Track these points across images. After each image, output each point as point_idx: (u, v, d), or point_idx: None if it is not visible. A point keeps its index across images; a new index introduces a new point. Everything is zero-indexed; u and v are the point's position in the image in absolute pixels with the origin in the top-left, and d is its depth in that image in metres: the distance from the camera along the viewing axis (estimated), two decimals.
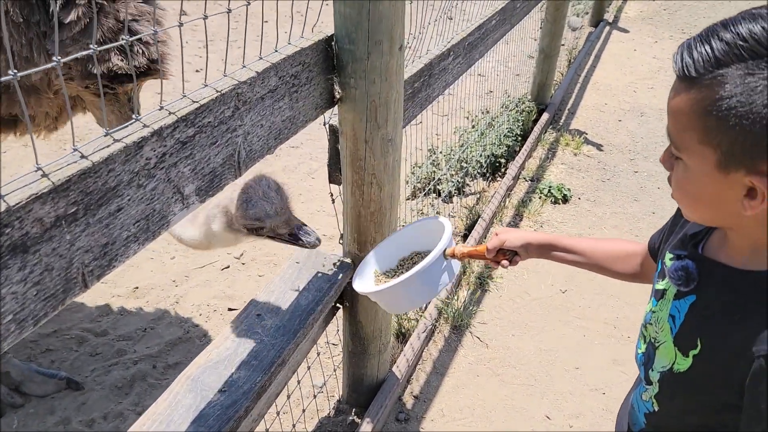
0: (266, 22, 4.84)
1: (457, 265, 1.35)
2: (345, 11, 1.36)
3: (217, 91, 1.07)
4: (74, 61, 1.46)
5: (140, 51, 1.49)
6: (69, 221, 0.81)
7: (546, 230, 3.26)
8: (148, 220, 0.97)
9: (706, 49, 0.73)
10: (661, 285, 0.99)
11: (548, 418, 2.17)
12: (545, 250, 1.28)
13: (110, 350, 2.33)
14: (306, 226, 1.47)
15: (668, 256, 0.98)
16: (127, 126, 0.91)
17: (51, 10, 1.36)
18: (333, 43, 1.41)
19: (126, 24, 1.01)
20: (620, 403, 1.23)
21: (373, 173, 1.61)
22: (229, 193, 1.42)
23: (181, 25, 1.02)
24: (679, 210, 1.06)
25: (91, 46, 0.79)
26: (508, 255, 1.28)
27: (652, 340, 0.99)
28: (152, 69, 1.51)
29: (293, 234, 1.45)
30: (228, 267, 2.84)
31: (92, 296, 2.59)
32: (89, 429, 2.04)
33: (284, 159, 3.85)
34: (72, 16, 1.38)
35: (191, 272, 2.78)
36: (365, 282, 1.43)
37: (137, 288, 2.65)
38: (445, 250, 1.29)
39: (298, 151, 3.94)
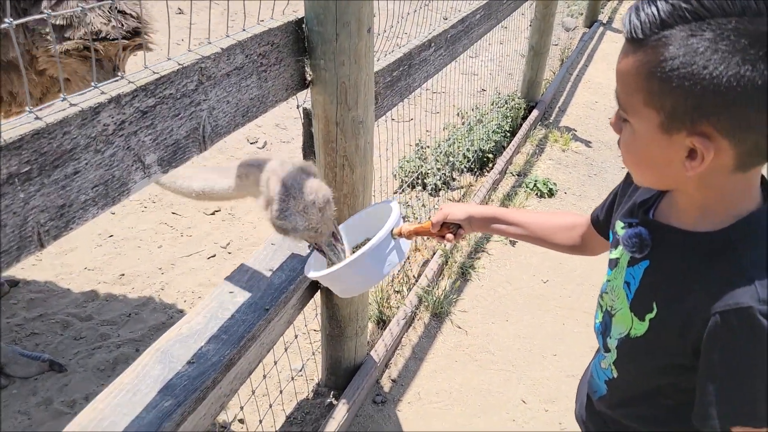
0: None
1: (406, 245, 1.37)
2: None
3: (179, 64, 1.10)
4: (55, 29, 1.48)
5: (121, 19, 1.52)
6: (22, 180, 0.84)
7: None
8: (107, 186, 1.00)
9: (652, 11, 0.73)
10: (614, 254, 1.01)
11: (524, 402, 2.20)
12: (488, 223, 1.30)
13: (94, 334, 2.37)
14: (337, 242, 1.41)
15: (619, 224, 1.00)
16: (84, 92, 0.95)
17: None
18: (303, 25, 1.45)
19: None
20: None
21: (344, 155, 1.64)
22: (280, 185, 1.33)
23: None
24: (626, 179, 1.08)
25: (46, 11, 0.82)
26: (452, 228, 1.30)
27: (609, 309, 1.01)
28: (135, 34, 1.54)
29: (320, 248, 1.41)
30: (214, 256, 2.87)
31: (78, 282, 2.62)
32: (70, 409, 2.07)
33: (274, 153, 3.89)
34: None
35: (178, 260, 2.81)
36: (317, 268, 1.45)
37: (123, 275, 2.68)
38: (392, 230, 1.32)
39: (288, 146, 3.97)
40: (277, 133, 4.11)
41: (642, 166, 0.86)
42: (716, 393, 0.79)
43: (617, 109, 0.86)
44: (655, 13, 0.72)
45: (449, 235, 1.31)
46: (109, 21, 1.50)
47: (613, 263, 1.01)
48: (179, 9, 5.72)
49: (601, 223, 1.17)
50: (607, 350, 1.03)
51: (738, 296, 0.76)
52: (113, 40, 1.51)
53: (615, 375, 1.03)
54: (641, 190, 1.00)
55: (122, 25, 1.51)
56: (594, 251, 1.30)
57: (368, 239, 1.48)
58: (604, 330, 1.04)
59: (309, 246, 1.49)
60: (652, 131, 0.78)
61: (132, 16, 1.55)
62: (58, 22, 1.50)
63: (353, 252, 1.49)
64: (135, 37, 1.59)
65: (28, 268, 2.65)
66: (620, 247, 0.98)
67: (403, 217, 1.62)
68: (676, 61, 0.71)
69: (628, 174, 1.07)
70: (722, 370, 0.78)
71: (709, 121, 0.72)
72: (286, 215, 1.31)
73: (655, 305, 0.89)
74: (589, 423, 1.17)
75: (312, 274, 1.39)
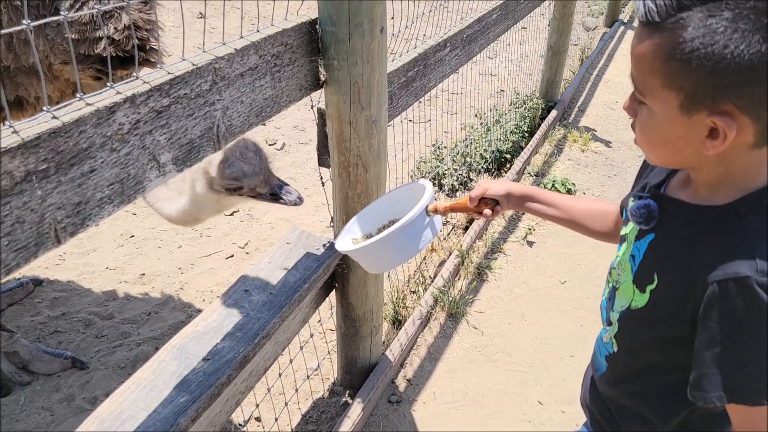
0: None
1: (439, 223, 1.37)
2: None
3: (193, 65, 1.12)
4: (69, 44, 1.53)
5: (132, 37, 1.56)
6: (40, 177, 0.86)
7: (548, 224, 3.26)
8: (122, 184, 1.02)
9: None
10: (624, 230, 1.03)
11: (540, 403, 2.19)
12: (525, 201, 1.30)
13: (115, 332, 2.41)
14: (288, 185, 1.49)
15: (630, 201, 1.01)
16: (101, 92, 0.97)
17: None
18: (317, 26, 1.46)
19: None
20: None
21: (358, 155, 1.65)
22: (209, 156, 1.46)
23: None
24: (642, 166, 1.09)
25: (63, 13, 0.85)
26: (490, 204, 1.30)
27: (614, 284, 1.03)
28: (146, 54, 1.57)
29: (274, 193, 1.46)
30: (232, 256, 2.90)
31: (100, 282, 2.67)
32: (92, 406, 2.11)
33: (293, 154, 3.92)
34: (69, 1, 1.46)
35: (197, 260, 2.85)
36: (347, 243, 1.45)
37: (144, 274, 2.73)
38: (427, 207, 1.31)
39: (307, 147, 4.00)
40: (296, 134, 4.14)
41: (659, 146, 0.87)
42: (711, 363, 0.80)
43: (631, 93, 0.86)
44: None
45: (487, 211, 1.30)
46: (122, 36, 1.53)
47: (623, 239, 1.03)
48: (200, 13, 5.80)
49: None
50: (609, 323, 1.04)
51: (737, 266, 0.77)
52: (124, 62, 1.54)
53: (615, 349, 1.04)
54: (655, 172, 1.01)
55: (132, 44, 1.55)
56: None
57: (398, 219, 1.49)
58: (608, 305, 1.06)
59: (268, 194, 1.48)
60: (671, 112, 0.79)
61: (140, 37, 1.59)
62: (73, 37, 1.54)
63: (381, 230, 1.48)
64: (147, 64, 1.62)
65: (51, 268, 2.71)
66: (630, 224, 1.00)
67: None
68: (696, 42, 0.72)
69: (643, 162, 1.08)
70: (718, 339, 0.79)
71: (731, 99, 0.73)
72: (229, 163, 1.38)
73: (656, 276, 0.90)
74: (591, 406, 1.18)
75: (342, 248, 1.39)
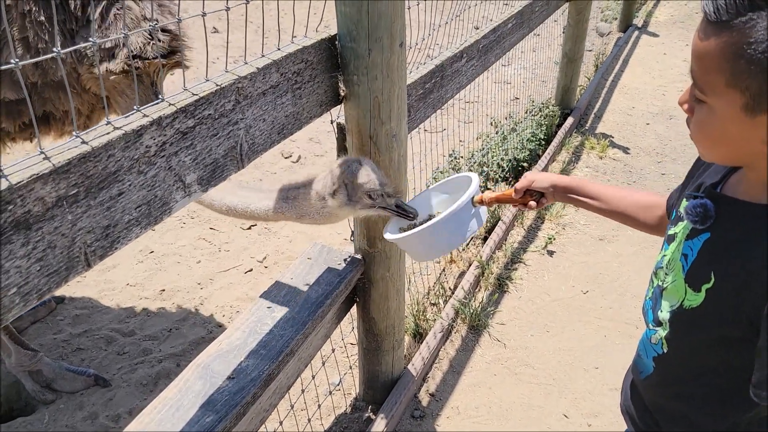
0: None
1: (484, 214, 1.39)
2: (345, 10, 1.41)
3: (216, 85, 1.13)
4: (100, 50, 1.55)
5: (161, 39, 1.58)
6: (70, 202, 0.87)
7: (569, 232, 3.23)
8: (149, 206, 1.02)
9: None
10: (673, 230, 1.02)
11: (566, 416, 2.15)
12: (569, 193, 1.30)
13: (137, 349, 2.42)
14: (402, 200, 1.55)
15: (684, 202, 1.00)
16: (127, 116, 0.98)
17: (72, 7, 1.46)
18: (336, 42, 1.46)
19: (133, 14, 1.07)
20: None
21: None
22: (344, 170, 1.46)
23: (204, 15, 1.09)
24: (694, 164, 1.08)
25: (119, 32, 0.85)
26: (535, 196, 1.31)
27: (660, 284, 1.01)
28: (176, 51, 1.59)
29: (399, 205, 1.50)
30: (251, 270, 2.90)
31: (121, 298, 2.69)
32: (115, 424, 2.11)
33: (309, 167, 3.92)
34: (96, 14, 1.47)
35: (216, 275, 2.86)
36: (395, 232, 1.47)
37: (164, 290, 2.74)
38: (473, 198, 1.33)
39: (322, 159, 4.01)
40: (311, 147, 4.15)
41: (716, 144, 0.86)
42: None
43: (689, 86, 0.85)
44: None
45: (532, 203, 1.31)
46: (150, 40, 1.54)
47: (671, 239, 1.02)
48: (214, 28, 5.85)
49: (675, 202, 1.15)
50: (658, 324, 1.02)
51: None
52: (153, 58, 1.56)
53: (665, 350, 1.01)
54: (710, 171, 0.99)
55: (161, 41, 1.56)
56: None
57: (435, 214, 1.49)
58: (654, 305, 1.03)
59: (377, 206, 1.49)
60: (733, 112, 0.78)
61: (171, 32, 1.60)
62: (106, 45, 1.56)
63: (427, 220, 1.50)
64: (172, 55, 1.63)
65: (73, 285, 2.73)
66: (681, 223, 0.99)
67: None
68: (766, 44, 0.71)
69: (696, 161, 1.07)
70: None
71: None
72: (374, 171, 1.43)
73: (712, 275, 0.88)
74: (632, 410, 1.15)
75: (390, 236, 1.40)
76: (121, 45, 1.47)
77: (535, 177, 1.31)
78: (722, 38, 0.75)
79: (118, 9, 1.51)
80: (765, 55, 0.71)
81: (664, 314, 0.99)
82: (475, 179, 1.38)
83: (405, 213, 1.49)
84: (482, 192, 1.39)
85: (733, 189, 0.93)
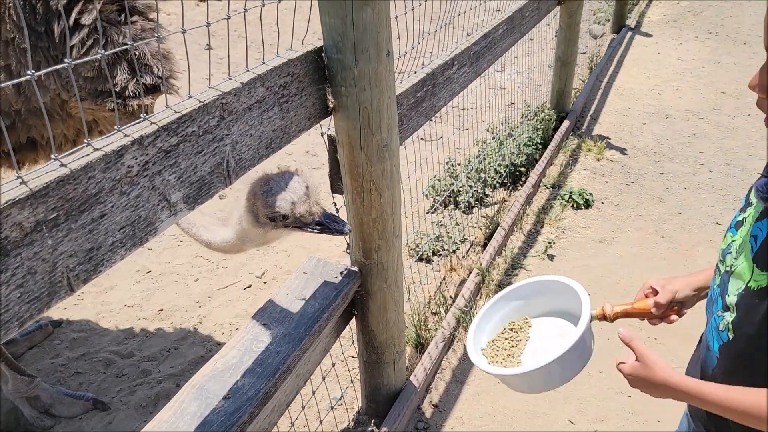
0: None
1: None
2: (330, 21, 1.40)
3: (200, 102, 1.11)
4: (84, 80, 1.54)
5: (147, 69, 1.57)
6: (50, 226, 0.85)
7: (569, 236, 3.21)
8: (134, 227, 1.01)
9: None
10: (741, 216, 1.00)
11: (572, 422, 2.12)
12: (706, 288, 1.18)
13: (135, 371, 2.39)
14: (334, 214, 1.47)
15: (753, 189, 0.99)
16: (108, 136, 0.96)
17: (56, 34, 1.45)
18: (323, 54, 1.45)
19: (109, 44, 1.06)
20: (645, 405, 1.17)
21: (371, 179, 1.63)
22: (252, 189, 1.44)
23: (184, 31, 1.07)
24: None
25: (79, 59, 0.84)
26: (677, 305, 1.16)
27: (728, 269, 0.99)
28: (159, 86, 1.58)
29: (320, 223, 1.44)
30: (250, 286, 2.88)
31: (119, 320, 2.66)
32: None
33: None
34: (76, 39, 1.46)
35: (214, 293, 2.83)
36: (483, 358, 1.27)
37: (162, 310, 2.71)
38: (591, 314, 1.15)
39: (319, 172, 3.99)
40: (308, 159, 4.14)
41: None
42: None
43: (760, 68, 0.83)
44: None
45: (673, 316, 1.16)
46: (133, 77, 1.53)
47: (739, 224, 1.00)
48: (208, 45, 5.86)
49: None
50: (726, 309, 0.98)
51: None
52: (137, 96, 1.55)
53: (731, 336, 0.98)
54: None
55: (146, 79, 1.55)
56: None
57: (526, 317, 1.32)
58: (722, 292, 1.00)
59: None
60: None
61: (155, 68, 1.59)
62: (88, 74, 1.54)
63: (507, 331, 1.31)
64: (156, 92, 1.62)
65: (70, 308, 2.71)
66: (750, 209, 0.97)
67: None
68: None
69: None
70: None
71: None
72: (273, 193, 1.36)
73: None
74: (701, 411, 1.08)
75: (492, 370, 1.19)
76: (103, 82, 1.46)
77: (676, 287, 1.14)
78: None
79: (97, 35, 1.50)
80: None
81: (731, 298, 0.97)
82: (582, 292, 1.16)
83: (329, 231, 1.40)
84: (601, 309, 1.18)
85: None
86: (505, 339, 1.30)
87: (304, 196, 1.41)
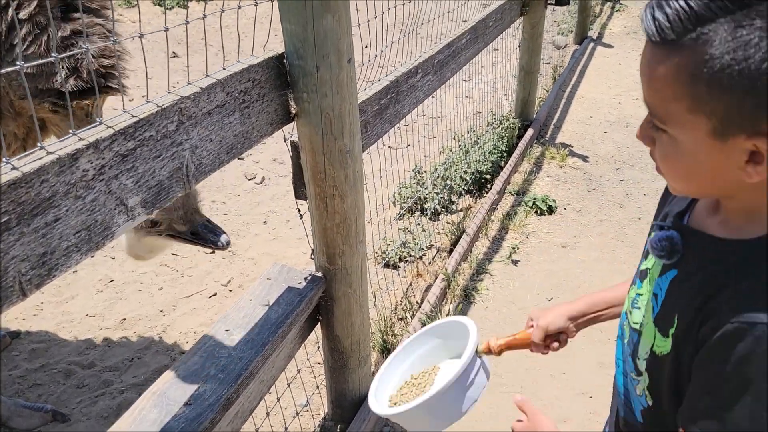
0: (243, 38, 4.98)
1: (488, 363, 1.18)
2: (291, 28, 1.41)
3: (158, 106, 1.11)
4: (25, 77, 1.51)
5: (90, 67, 1.53)
6: (1, 230, 0.84)
7: (533, 241, 3.27)
8: (89, 231, 1.00)
9: (681, 5, 0.63)
10: (645, 264, 0.92)
11: None
12: (590, 316, 1.18)
13: (97, 381, 2.35)
14: (216, 226, 1.39)
15: (651, 233, 0.91)
16: (63, 140, 0.95)
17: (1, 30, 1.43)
18: (284, 60, 1.46)
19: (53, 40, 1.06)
20: (607, 406, 1.14)
21: (334, 185, 1.64)
22: None
23: (141, 36, 1.07)
24: (665, 192, 0.98)
25: (19, 63, 0.83)
26: (555, 337, 1.18)
27: (636, 326, 0.91)
28: (106, 85, 1.56)
29: (195, 233, 1.38)
30: (215, 294, 2.86)
31: (80, 330, 2.61)
32: None
33: (273, 188, 3.90)
34: (17, 36, 1.44)
35: (179, 302, 2.80)
36: (382, 401, 1.23)
37: (125, 320, 2.67)
38: (476, 348, 1.12)
39: (286, 180, 3.99)
40: (275, 167, 4.13)
41: (688, 176, 0.75)
42: (709, 410, 0.72)
43: (644, 119, 0.75)
44: (686, 7, 0.63)
45: (554, 344, 1.18)
46: (73, 74, 1.51)
47: (644, 274, 0.91)
48: (174, 53, 5.81)
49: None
50: (640, 374, 0.91)
51: (757, 309, 0.67)
52: (83, 92, 1.52)
53: (650, 402, 0.90)
54: (677, 199, 0.91)
55: (84, 76, 1.53)
56: None
57: (431, 368, 1.27)
58: (633, 351, 0.93)
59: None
60: (700, 139, 0.69)
61: (99, 67, 1.57)
62: (28, 71, 1.51)
63: (416, 382, 1.26)
64: (104, 93, 1.60)
65: (29, 318, 2.64)
66: (651, 258, 0.89)
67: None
68: (726, 58, 0.61)
69: (666, 187, 0.97)
70: (721, 387, 0.70)
71: None
72: None
73: (676, 318, 0.80)
74: None
75: (382, 411, 1.16)
76: (45, 78, 1.44)
77: (548, 321, 1.16)
78: (673, 60, 0.65)
79: (38, 31, 1.47)
80: (726, 73, 0.62)
81: (641, 363, 0.89)
82: (473, 327, 1.17)
83: (203, 241, 1.32)
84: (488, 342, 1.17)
85: (701, 220, 0.84)
86: (413, 386, 1.25)
87: (177, 202, 1.33)
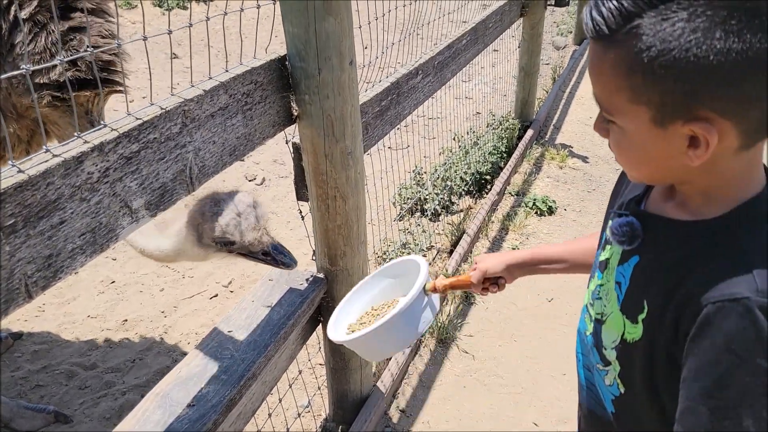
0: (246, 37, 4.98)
1: (437, 301, 1.28)
2: (293, 30, 1.42)
3: (161, 108, 1.12)
4: (22, 75, 1.52)
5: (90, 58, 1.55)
6: (7, 233, 0.85)
7: (533, 242, 3.28)
8: (94, 233, 1.00)
9: (614, 3, 0.68)
10: (604, 255, 0.94)
11: (535, 425, 2.16)
12: (528, 267, 1.25)
13: (99, 383, 2.35)
14: (282, 246, 1.44)
15: (610, 220, 0.93)
16: (68, 142, 0.96)
17: (2, 30, 1.43)
18: (286, 62, 1.47)
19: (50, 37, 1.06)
20: None
21: (335, 187, 1.65)
22: (200, 207, 1.42)
23: (145, 38, 1.08)
24: (618, 180, 1.02)
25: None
26: (493, 281, 1.25)
27: (598, 317, 0.93)
28: (108, 80, 1.56)
29: (267, 253, 1.42)
30: (216, 295, 2.86)
31: (82, 331, 2.62)
32: None
33: (274, 189, 3.91)
34: (20, 36, 1.45)
35: (180, 303, 2.81)
36: (340, 331, 1.33)
37: (126, 321, 2.68)
38: (425, 286, 1.22)
39: (287, 181, 3.99)
40: (275, 168, 4.13)
41: (640, 164, 0.80)
42: (699, 396, 0.71)
43: (598, 112, 0.80)
44: (617, 4, 0.68)
45: (493, 288, 1.25)
46: (70, 68, 1.51)
47: (603, 265, 0.93)
48: (174, 54, 5.82)
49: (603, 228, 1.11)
50: (608, 363, 0.92)
51: (734, 285, 0.69)
52: (82, 86, 1.53)
53: (622, 390, 0.91)
54: (630, 186, 0.94)
55: (82, 70, 1.53)
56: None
57: (391, 300, 1.37)
58: (596, 342, 0.94)
59: (259, 255, 1.44)
60: (644, 128, 0.74)
61: (101, 59, 1.58)
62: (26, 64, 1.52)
63: (373, 313, 1.36)
64: (107, 88, 1.61)
65: (31, 320, 2.65)
66: (609, 247, 0.92)
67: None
68: (654, 50, 0.66)
69: (619, 176, 1.02)
70: (707, 369, 0.70)
71: (705, 104, 0.68)
72: (222, 218, 1.34)
73: (645, 303, 0.81)
74: None
75: (337, 337, 1.28)
76: (43, 72, 1.45)
77: (487, 265, 1.24)
78: (610, 55, 0.71)
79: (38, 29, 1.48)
80: (657, 63, 0.67)
81: (609, 352, 0.90)
82: (424, 265, 1.27)
83: (275, 263, 1.37)
84: (436, 278, 1.29)
85: (658, 204, 0.87)
86: (372, 316, 1.36)
87: (255, 223, 1.38)
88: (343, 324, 1.35)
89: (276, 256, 1.41)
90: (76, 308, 2.75)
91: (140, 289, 2.88)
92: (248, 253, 1.43)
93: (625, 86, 0.71)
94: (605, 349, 0.91)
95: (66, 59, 1.33)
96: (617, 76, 0.72)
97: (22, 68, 0.81)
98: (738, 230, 0.74)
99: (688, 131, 0.70)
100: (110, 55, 1.59)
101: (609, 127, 0.80)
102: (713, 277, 0.72)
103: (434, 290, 1.24)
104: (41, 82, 1.53)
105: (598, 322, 0.93)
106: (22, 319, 2.64)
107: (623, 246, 0.87)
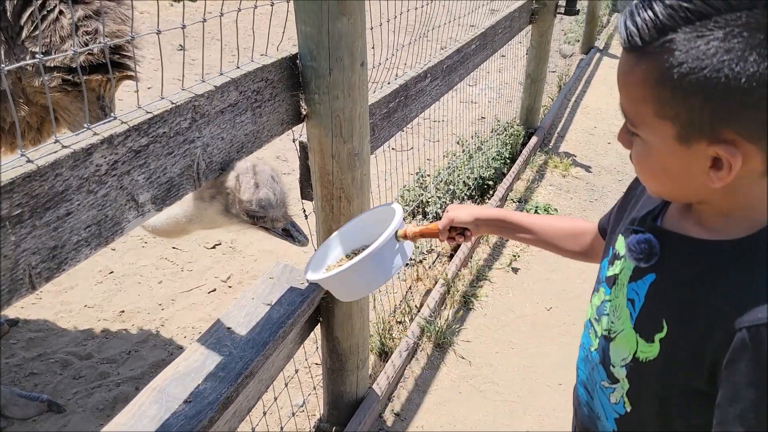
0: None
1: (410, 248, 1.36)
2: (306, 29, 1.41)
3: (172, 103, 1.11)
4: (32, 56, 1.50)
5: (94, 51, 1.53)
6: (13, 222, 0.84)
7: (533, 250, 3.27)
8: (100, 226, 1.00)
9: (649, 15, 0.67)
10: (612, 270, 0.93)
11: None
12: (495, 226, 1.28)
13: (93, 373, 2.34)
14: (298, 226, 1.48)
15: (620, 240, 0.92)
16: (77, 134, 0.95)
17: (9, 13, 1.43)
18: (297, 61, 1.46)
19: (71, 21, 1.05)
20: None
21: (341, 187, 1.64)
22: (234, 176, 1.38)
23: (159, 32, 1.07)
24: (626, 194, 1.02)
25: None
26: (460, 231, 1.30)
27: (606, 333, 0.91)
28: (119, 63, 1.56)
29: (287, 230, 1.44)
30: (214, 290, 2.86)
31: (78, 320, 2.61)
32: None
33: None
34: (25, 16, 1.44)
35: (178, 296, 2.80)
36: (317, 272, 1.42)
37: (123, 312, 2.67)
38: (396, 232, 1.29)
39: (289, 178, 3.99)
40: (278, 165, 4.13)
41: (660, 179, 0.79)
42: (736, 421, 0.70)
43: (624, 122, 0.79)
44: (652, 17, 0.67)
45: (458, 237, 1.29)
46: (85, 47, 1.51)
47: (611, 281, 0.92)
48: (180, 45, 5.81)
49: (608, 231, 1.08)
50: (615, 381, 0.91)
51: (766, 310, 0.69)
52: (93, 69, 1.52)
53: (629, 409, 0.90)
54: (643, 201, 0.92)
55: (94, 54, 1.53)
56: (600, 259, 1.24)
57: (366, 246, 1.44)
58: (603, 359, 0.92)
59: (277, 231, 1.48)
60: (667, 143, 0.73)
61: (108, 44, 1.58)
62: (34, 49, 1.51)
63: (351, 255, 1.45)
64: (117, 68, 1.60)
65: (28, 307, 2.64)
66: (619, 263, 0.91)
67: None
68: (685, 66, 0.65)
69: (628, 189, 1.02)
70: (745, 393, 0.70)
71: (732, 126, 0.67)
72: (261, 189, 1.36)
73: (664, 323, 0.80)
74: None
75: (312, 276, 1.37)
76: (53, 53, 1.44)
77: (456, 213, 1.27)
78: (641, 66, 0.70)
79: (47, 11, 1.47)
80: (686, 81, 0.66)
81: (618, 370, 0.89)
82: (399, 211, 1.33)
83: (291, 239, 1.42)
84: (407, 225, 1.36)
85: (675, 221, 0.86)
86: (351, 259, 1.41)
87: (285, 200, 1.42)
88: (324, 264, 1.45)
89: (292, 233, 1.44)
90: (73, 297, 2.74)
91: (138, 281, 2.88)
92: (271, 227, 1.44)
93: (653, 99, 0.71)
94: (613, 366, 0.90)
95: (81, 51, 1.32)
96: (645, 88, 0.71)
97: (38, 57, 0.81)
98: (764, 252, 0.73)
99: (712, 152, 0.69)
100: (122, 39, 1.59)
101: (633, 139, 0.79)
102: (742, 299, 0.71)
103: (405, 237, 1.31)
104: (52, 65, 1.52)
105: (606, 339, 0.91)
106: (18, 306, 2.63)
107: (640, 263, 0.85)
